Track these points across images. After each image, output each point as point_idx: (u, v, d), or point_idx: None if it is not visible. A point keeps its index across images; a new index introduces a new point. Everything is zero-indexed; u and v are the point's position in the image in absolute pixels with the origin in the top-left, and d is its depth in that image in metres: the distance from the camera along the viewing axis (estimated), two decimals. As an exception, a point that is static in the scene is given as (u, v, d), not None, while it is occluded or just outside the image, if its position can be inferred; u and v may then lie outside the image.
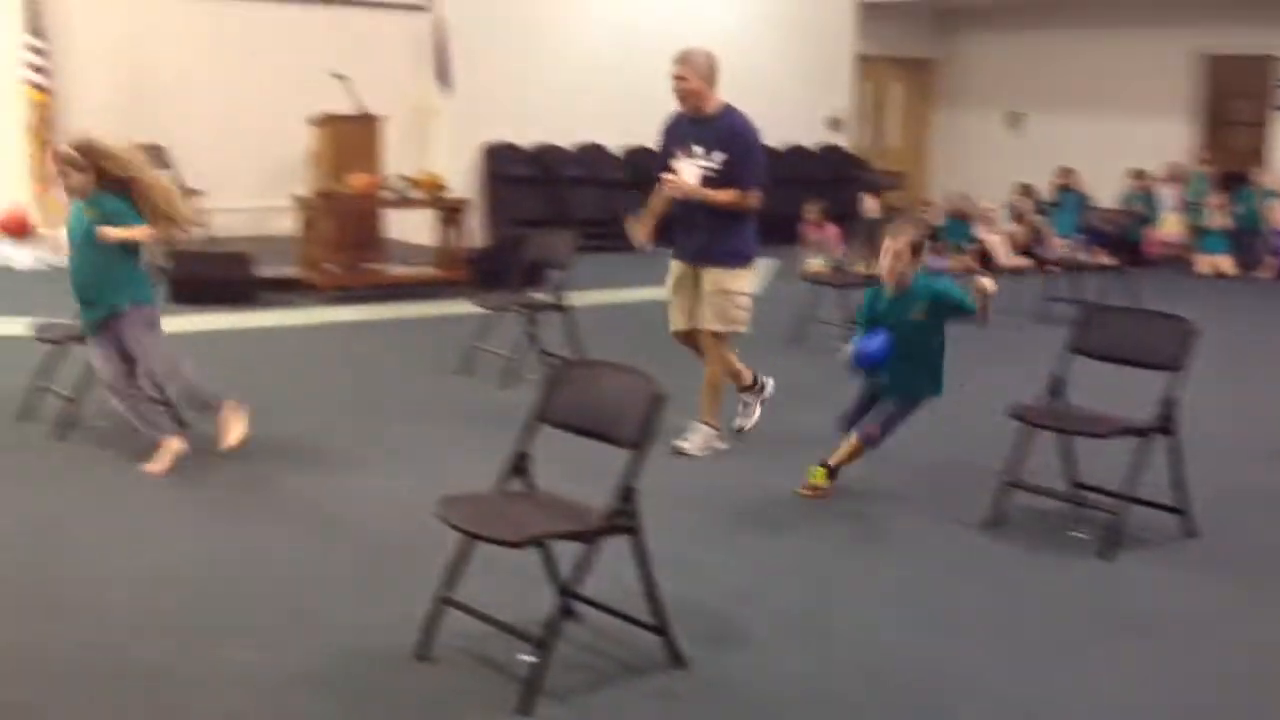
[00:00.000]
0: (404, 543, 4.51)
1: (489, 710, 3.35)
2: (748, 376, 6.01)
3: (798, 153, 14.55)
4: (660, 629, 3.59)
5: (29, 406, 6.00)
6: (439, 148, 11.88)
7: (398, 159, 10.42)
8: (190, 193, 10.95)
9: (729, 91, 5.59)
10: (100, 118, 10.54)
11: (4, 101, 10.21)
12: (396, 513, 4.87)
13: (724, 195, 5.50)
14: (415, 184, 9.89)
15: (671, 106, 5.67)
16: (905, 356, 4.87)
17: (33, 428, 5.87)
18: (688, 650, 3.63)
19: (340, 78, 9.81)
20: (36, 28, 10.06)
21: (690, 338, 5.84)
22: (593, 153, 13.31)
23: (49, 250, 10.24)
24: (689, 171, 5.57)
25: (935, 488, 5.37)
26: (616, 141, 13.22)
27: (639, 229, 5.85)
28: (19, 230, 5.82)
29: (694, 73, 5.51)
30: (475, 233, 11.20)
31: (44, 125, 10.19)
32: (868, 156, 15.54)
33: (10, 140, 10.24)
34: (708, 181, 5.52)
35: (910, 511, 5.06)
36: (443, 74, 11.93)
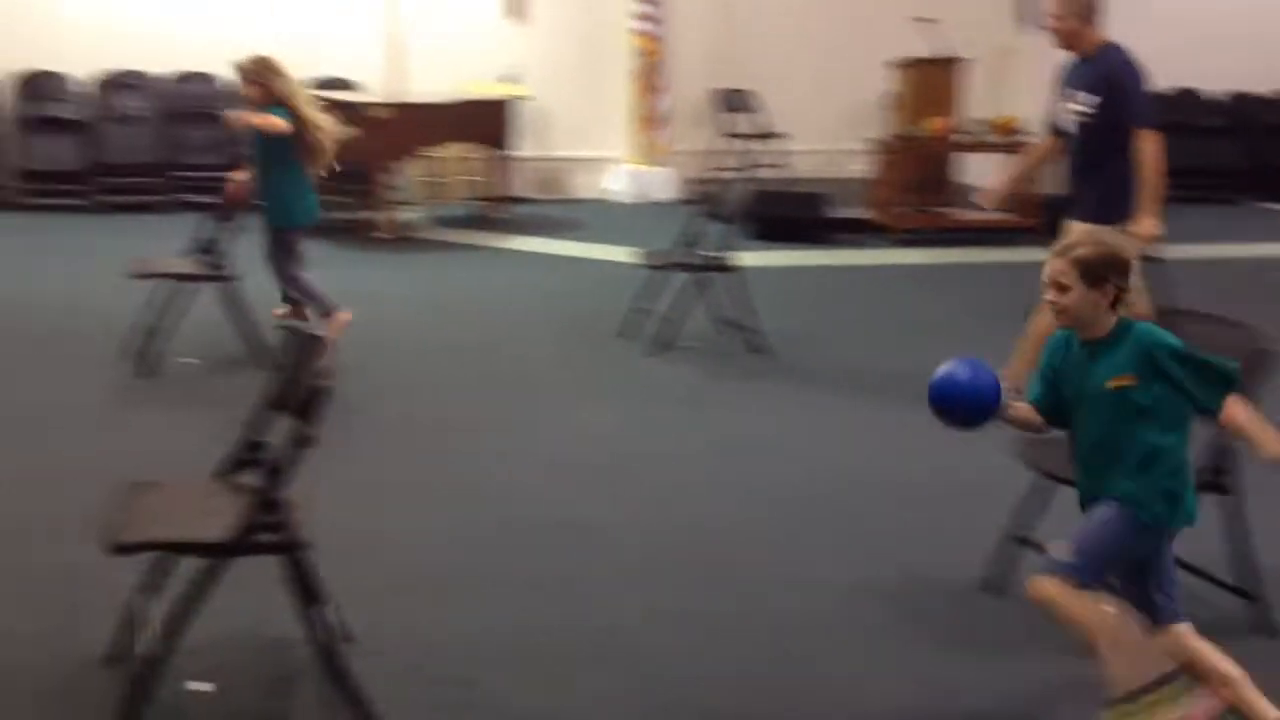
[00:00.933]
0: (973, 480, 4.58)
1: (1056, 647, 3.34)
2: None
3: None
4: (1247, 593, 3.40)
5: (629, 325, 6.65)
6: (1019, 90, 11.59)
7: (978, 102, 10.31)
8: (775, 136, 11.53)
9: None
10: (699, 64, 11.36)
11: (613, 49, 11.21)
12: (961, 449, 4.93)
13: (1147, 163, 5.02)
14: (991, 127, 9.76)
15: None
16: (1098, 446, 2.94)
17: (631, 345, 6.51)
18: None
19: (924, 21, 9.85)
20: (648, -20, 10.94)
21: None
22: (1185, 99, 12.41)
23: (644, 186, 11.21)
24: (1065, 117, 5.24)
25: None
26: (1214, 86, 12.23)
27: (991, 191, 5.74)
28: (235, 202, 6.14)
29: (1068, 11, 5.15)
30: (1050, 179, 10.84)
31: (650, 73, 11.08)
32: None
33: (618, 86, 11.23)
34: (1083, 127, 5.16)
35: None
36: (1024, 14, 11.59)
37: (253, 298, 6.01)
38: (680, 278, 6.51)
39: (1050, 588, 2.86)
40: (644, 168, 11.29)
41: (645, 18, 10.97)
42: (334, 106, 9.25)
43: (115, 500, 3.04)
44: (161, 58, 10.28)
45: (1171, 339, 2.87)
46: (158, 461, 4.53)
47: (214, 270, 5.88)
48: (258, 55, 6.00)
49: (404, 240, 9.28)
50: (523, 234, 9.70)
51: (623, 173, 11.36)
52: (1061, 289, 2.88)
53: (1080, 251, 2.87)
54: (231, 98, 10.42)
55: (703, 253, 6.57)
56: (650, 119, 11.18)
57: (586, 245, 9.32)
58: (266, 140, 5.85)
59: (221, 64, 10.38)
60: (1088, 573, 2.85)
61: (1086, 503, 2.98)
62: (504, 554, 4.02)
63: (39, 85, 10.06)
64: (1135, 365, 2.84)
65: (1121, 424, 2.86)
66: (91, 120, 10.05)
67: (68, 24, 10.00)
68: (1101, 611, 2.89)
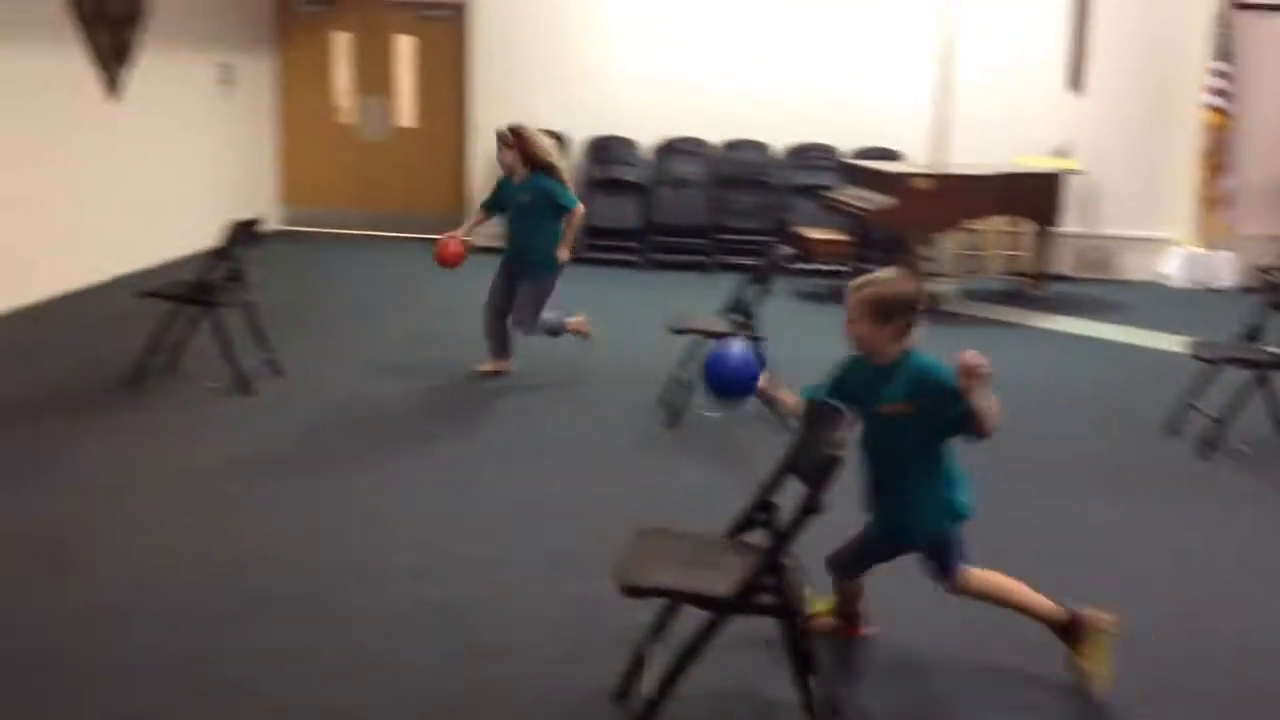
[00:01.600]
0: None
1: None
2: None
3: None
4: None
5: (1174, 422, 6.09)
6: None
7: None
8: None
9: None
10: (1275, 141, 10.35)
11: (1177, 123, 10.46)
12: None
13: None
14: None
15: None
16: (877, 466, 3.41)
17: (1174, 443, 5.96)
18: None
19: None
20: (1225, 52, 10.11)
21: None
22: None
23: (1203, 271, 10.34)
24: None
25: None
26: None
27: None
28: (450, 261, 6.53)
29: None
30: None
31: (1218, 149, 10.23)
32: None
33: (1180, 162, 10.47)
34: None
35: None
36: None
37: (773, 357, 6.13)
38: (1237, 374, 5.89)
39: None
40: (1203, 251, 10.42)
41: (1217, 91, 10.15)
42: (877, 176, 9.40)
43: (628, 543, 3.16)
44: (716, 126, 10.87)
45: (930, 367, 3.27)
46: (670, 507, 4.70)
47: (743, 329, 6.06)
48: (516, 124, 6.51)
49: (934, 313, 9.11)
50: (1061, 314, 9.24)
51: (1179, 255, 10.54)
52: (851, 322, 3.33)
53: (866, 292, 3.32)
54: (778, 165, 10.85)
55: (1267, 348, 5.92)
56: (1215, 199, 10.30)
57: (1132, 330, 8.70)
58: (535, 201, 6.40)
59: (768, 132, 10.86)
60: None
61: (872, 503, 3.44)
62: (1009, 652, 3.77)
63: (606, 149, 10.96)
64: (911, 393, 3.25)
65: (892, 445, 3.31)
66: (649, 183, 10.79)
67: (635, 95, 10.84)
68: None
